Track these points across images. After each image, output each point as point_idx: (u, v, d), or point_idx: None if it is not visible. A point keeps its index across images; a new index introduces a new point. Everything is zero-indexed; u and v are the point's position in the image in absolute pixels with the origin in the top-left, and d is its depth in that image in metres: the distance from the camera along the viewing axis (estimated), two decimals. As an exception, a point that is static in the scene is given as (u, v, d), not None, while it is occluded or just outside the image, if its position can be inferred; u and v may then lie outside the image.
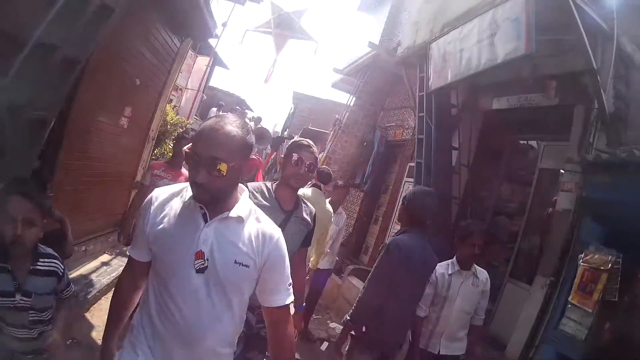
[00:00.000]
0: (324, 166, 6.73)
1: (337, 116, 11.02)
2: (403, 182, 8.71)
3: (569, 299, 4.10)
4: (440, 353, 3.92)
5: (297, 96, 20.37)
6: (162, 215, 1.80)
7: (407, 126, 9.04)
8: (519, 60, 4.98)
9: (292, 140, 3.27)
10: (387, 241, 3.63)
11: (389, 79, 9.67)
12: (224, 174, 1.63)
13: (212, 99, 16.88)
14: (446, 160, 6.97)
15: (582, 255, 4.09)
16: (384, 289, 3.35)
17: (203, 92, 15.14)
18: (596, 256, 4.01)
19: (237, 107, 18.09)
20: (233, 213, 1.77)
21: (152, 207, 1.83)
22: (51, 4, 2.95)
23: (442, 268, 3.98)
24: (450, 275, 3.95)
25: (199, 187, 1.66)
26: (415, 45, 7.70)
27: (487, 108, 6.99)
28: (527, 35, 4.78)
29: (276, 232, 1.87)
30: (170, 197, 1.86)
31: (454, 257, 4.05)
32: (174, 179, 4.72)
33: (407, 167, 8.61)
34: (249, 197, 1.95)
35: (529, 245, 6.32)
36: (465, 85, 6.94)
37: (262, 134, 15.42)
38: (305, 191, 5.06)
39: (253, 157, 1.80)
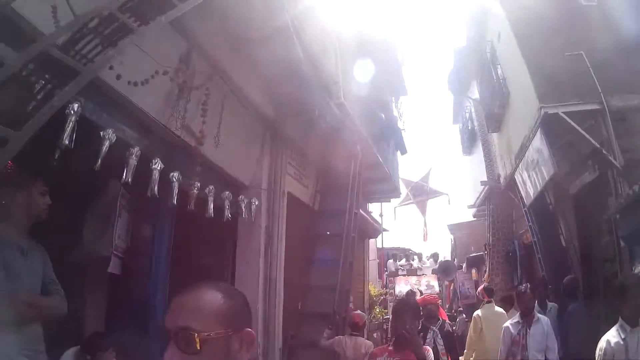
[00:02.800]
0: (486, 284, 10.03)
1: (485, 244, 14.90)
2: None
3: None
4: None
5: (452, 227, 23.54)
6: None
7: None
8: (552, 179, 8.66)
9: None
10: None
11: (507, 199, 13.43)
12: (198, 349, 1.24)
13: (385, 256, 20.06)
14: (557, 246, 10.25)
15: None
16: None
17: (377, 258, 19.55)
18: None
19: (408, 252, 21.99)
20: None
21: None
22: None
23: (611, 337, 3.86)
24: (624, 339, 3.73)
25: None
26: (508, 175, 11.63)
27: (568, 194, 10.28)
28: (551, 161, 8.38)
29: None
30: None
31: (619, 321, 3.88)
32: None
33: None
34: None
35: None
36: (550, 185, 9.89)
37: (448, 266, 19.54)
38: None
39: (248, 329, 1.38)
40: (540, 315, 5.84)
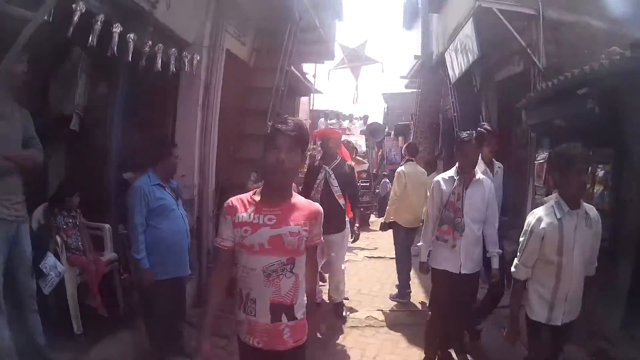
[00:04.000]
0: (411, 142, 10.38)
1: (411, 114, 16.24)
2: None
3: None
4: (563, 322, 3.61)
5: (386, 96, 24.94)
6: None
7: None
8: (477, 63, 9.78)
9: None
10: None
11: (437, 75, 14.57)
12: None
13: (316, 117, 21.01)
14: (475, 124, 11.58)
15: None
16: None
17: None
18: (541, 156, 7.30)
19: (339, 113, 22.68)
20: None
21: None
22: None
23: (544, 213, 3.56)
24: (560, 220, 3.45)
25: None
26: (440, 54, 12.67)
27: (494, 81, 11.50)
28: (477, 47, 9.43)
29: None
30: None
31: (556, 195, 3.61)
32: None
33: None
34: None
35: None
36: (479, 69, 11.18)
37: (376, 128, 20.85)
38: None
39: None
40: (481, 176, 5.00)
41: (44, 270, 4.35)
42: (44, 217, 4.99)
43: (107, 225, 5.81)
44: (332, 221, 5.91)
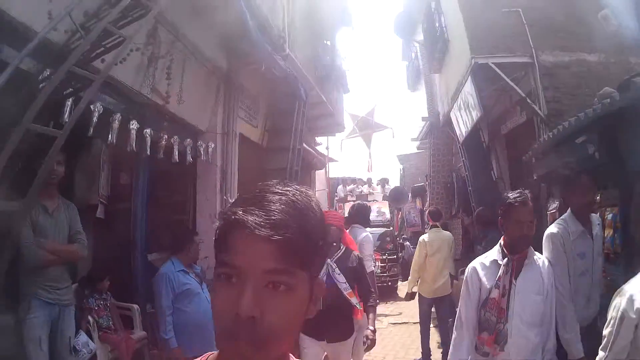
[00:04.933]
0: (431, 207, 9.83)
1: (426, 176, 16.47)
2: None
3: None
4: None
5: (401, 157, 25.15)
6: None
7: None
8: (482, 120, 10.06)
9: None
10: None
11: (447, 135, 14.86)
12: None
13: (335, 184, 20.96)
14: (488, 180, 11.76)
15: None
16: None
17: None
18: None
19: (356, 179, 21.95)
20: None
21: None
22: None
23: (560, 230, 3.69)
24: (578, 238, 3.75)
25: None
26: (446, 113, 12.99)
27: (500, 134, 11.76)
28: (478, 105, 9.73)
29: None
30: None
31: (567, 214, 3.81)
32: None
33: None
34: None
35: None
36: (484, 125, 11.52)
37: (400, 192, 19.46)
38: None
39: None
40: (538, 256, 3.53)
41: (76, 346, 4.60)
42: (75, 298, 5.19)
43: (136, 306, 6.11)
44: (342, 325, 4.84)
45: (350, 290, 4.81)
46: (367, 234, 7.04)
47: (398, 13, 14.70)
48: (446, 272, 7.58)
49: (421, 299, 7.81)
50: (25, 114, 3.09)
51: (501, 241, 3.44)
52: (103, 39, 3.67)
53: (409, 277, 8.05)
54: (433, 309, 7.87)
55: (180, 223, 7.17)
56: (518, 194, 3.31)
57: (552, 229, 3.83)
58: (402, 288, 13.96)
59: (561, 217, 3.84)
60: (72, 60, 3.24)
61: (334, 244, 4.94)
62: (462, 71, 10.00)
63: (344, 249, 5.10)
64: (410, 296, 8.01)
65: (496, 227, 7.03)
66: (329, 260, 4.75)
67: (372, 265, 7.12)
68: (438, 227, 8.08)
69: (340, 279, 4.77)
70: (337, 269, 4.79)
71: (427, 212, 9.08)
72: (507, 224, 3.35)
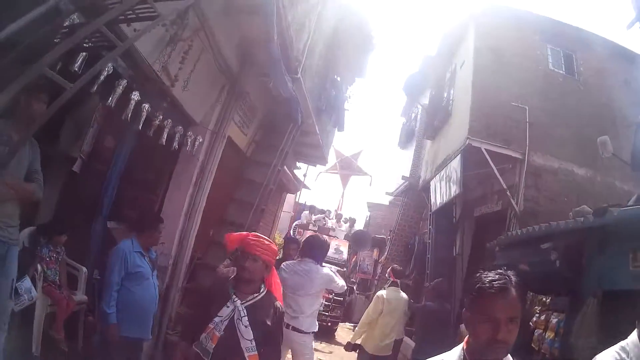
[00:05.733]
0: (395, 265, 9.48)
1: (390, 230, 16.64)
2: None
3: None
4: None
5: (371, 205, 25.10)
6: None
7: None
8: (458, 196, 10.28)
9: None
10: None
11: (421, 199, 15.09)
12: None
13: (300, 209, 20.41)
14: (449, 254, 12.00)
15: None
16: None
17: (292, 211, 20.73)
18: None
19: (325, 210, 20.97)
20: None
21: None
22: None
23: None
24: None
25: None
26: (426, 179, 13.23)
27: (472, 215, 12.00)
28: (460, 183, 9.96)
29: None
30: None
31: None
32: None
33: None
34: None
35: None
36: (460, 202, 11.76)
37: (363, 237, 18.63)
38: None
39: None
40: None
41: (19, 290, 4.50)
42: (29, 242, 5.24)
43: (84, 269, 6.10)
44: None
45: (254, 353, 3.35)
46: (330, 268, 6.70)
47: (412, 73, 15.08)
48: (394, 335, 7.46)
49: (362, 353, 7.57)
50: (42, 57, 3.09)
51: (463, 344, 2.21)
52: (137, 5, 3.69)
53: (356, 329, 7.91)
54: None
55: (150, 204, 7.22)
56: (497, 277, 2.07)
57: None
58: (341, 333, 13.97)
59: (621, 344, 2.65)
60: (104, 18, 3.28)
61: (251, 281, 3.56)
62: (455, 147, 10.27)
63: (264, 292, 3.62)
64: (352, 347, 7.68)
65: (446, 300, 7.38)
66: (238, 302, 3.43)
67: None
68: (398, 286, 7.83)
69: (246, 333, 3.37)
70: (245, 315, 3.40)
71: (390, 268, 8.48)
72: (473, 319, 2.10)
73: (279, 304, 3.70)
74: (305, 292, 5.79)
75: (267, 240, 3.71)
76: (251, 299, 3.49)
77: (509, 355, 2.10)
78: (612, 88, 9.96)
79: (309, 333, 5.88)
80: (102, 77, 4.32)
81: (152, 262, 5.14)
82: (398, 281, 7.87)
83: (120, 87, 4.75)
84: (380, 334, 7.37)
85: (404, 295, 7.74)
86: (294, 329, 5.65)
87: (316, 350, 11.14)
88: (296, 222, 18.40)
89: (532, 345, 5.79)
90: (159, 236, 5.29)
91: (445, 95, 12.50)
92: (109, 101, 4.70)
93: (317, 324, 6.09)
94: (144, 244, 5.02)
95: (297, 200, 18.67)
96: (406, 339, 8.94)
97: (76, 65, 3.90)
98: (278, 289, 4.16)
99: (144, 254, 4.99)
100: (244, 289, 3.52)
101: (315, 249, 6.08)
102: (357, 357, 7.84)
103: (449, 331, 7.50)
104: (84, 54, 3.91)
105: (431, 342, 6.59)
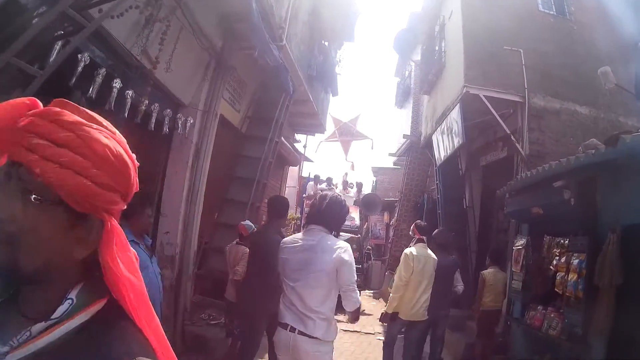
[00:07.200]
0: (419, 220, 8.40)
1: (398, 191, 16.52)
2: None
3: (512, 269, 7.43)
4: None
5: (375, 170, 25.37)
6: None
7: (441, 188, 14.29)
8: (462, 147, 10.13)
9: None
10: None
11: (425, 156, 14.94)
12: None
13: (306, 182, 20.45)
14: (459, 207, 11.90)
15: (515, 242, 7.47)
16: None
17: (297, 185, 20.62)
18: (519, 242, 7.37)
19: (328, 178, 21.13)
20: None
21: None
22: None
23: None
24: None
25: None
26: (428, 135, 13.06)
27: (478, 165, 11.88)
28: (462, 133, 9.82)
29: None
30: None
31: None
32: None
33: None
34: None
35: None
36: (464, 153, 11.77)
37: (373, 201, 18.66)
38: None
39: None
40: None
41: None
42: None
43: None
44: None
45: None
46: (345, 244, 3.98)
47: (401, 30, 14.76)
48: (427, 297, 6.57)
49: (392, 320, 6.88)
50: (9, 46, 2.94)
51: None
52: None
53: (391, 295, 6.78)
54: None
55: (140, 192, 6.98)
56: None
57: None
58: (363, 301, 13.92)
59: None
60: (68, 1, 3.11)
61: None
62: (452, 97, 10.07)
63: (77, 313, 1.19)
64: (390, 318, 6.81)
65: (449, 252, 7.28)
66: None
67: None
68: (424, 243, 6.88)
69: None
70: None
71: (413, 224, 7.44)
72: None
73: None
74: (309, 274, 3.78)
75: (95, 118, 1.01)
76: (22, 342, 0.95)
77: None
78: (606, 23, 9.71)
79: (328, 342, 3.88)
80: (79, 68, 4.17)
81: (149, 249, 4.99)
82: (424, 237, 6.89)
83: (100, 76, 4.57)
84: (412, 296, 6.56)
85: (432, 253, 6.77)
86: (301, 333, 3.72)
87: (337, 321, 11.11)
88: (304, 195, 18.46)
89: (556, 289, 5.69)
90: (148, 221, 5.08)
91: (436, 48, 12.23)
92: (90, 92, 4.52)
93: (337, 328, 4.04)
94: (136, 231, 4.80)
95: (300, 173, 18.48)
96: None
97: (52, 58, 3.72)
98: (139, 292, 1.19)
99: (137, 242, 4.78)
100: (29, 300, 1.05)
101: (326, 212, 4.00)
102: (387, 328, 7.35)
103: (451, 284, 7.16)
104: (58, 45, 3.71)
105: (434, 295, 6.51)
